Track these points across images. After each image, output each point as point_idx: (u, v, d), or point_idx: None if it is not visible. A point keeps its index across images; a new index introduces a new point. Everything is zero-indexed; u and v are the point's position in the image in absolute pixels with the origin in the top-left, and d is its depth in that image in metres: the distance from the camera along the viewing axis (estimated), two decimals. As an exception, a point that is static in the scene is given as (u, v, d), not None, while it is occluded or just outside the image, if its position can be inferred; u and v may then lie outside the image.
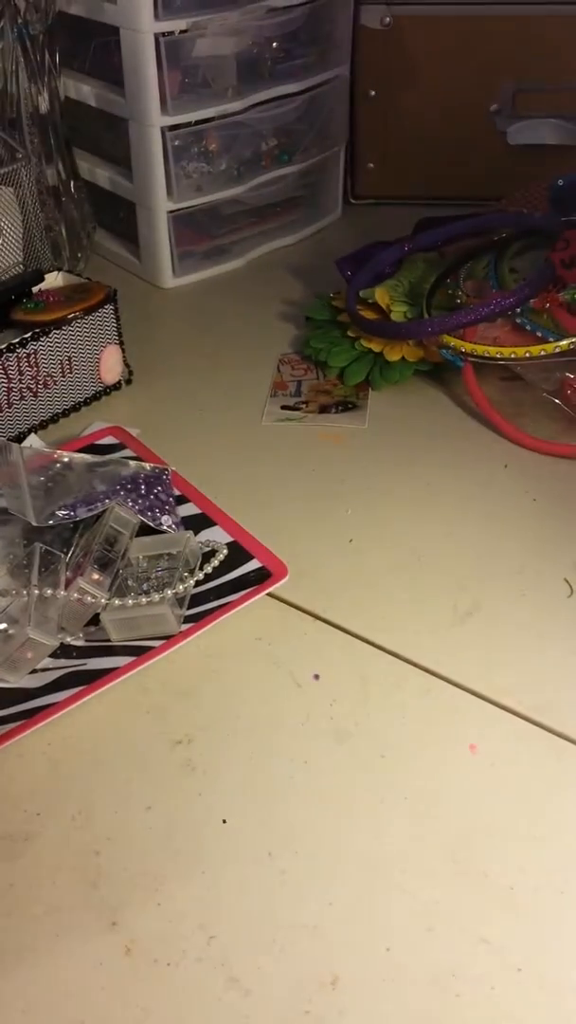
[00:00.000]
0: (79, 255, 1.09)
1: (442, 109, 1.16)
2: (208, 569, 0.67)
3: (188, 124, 1.00)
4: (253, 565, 0.68)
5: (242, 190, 1.07)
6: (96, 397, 0.89)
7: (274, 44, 1.04)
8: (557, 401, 0.84)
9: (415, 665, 0.63)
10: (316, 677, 0.62)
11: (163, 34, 0.94)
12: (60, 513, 0.69)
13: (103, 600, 0.63)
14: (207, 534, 0.71)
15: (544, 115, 1.13)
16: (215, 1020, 0.45)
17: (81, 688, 0.60)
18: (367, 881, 0.51)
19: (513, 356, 0.82)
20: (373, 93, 1.17)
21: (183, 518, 0.72)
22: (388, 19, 1.12)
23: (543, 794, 0.55)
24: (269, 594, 0.67)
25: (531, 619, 0.66)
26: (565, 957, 0.48)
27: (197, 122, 1.00)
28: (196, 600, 0.66)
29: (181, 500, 0.74)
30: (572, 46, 1.09)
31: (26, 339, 0.80)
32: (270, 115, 1.05)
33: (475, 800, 0.55)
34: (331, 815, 0.54)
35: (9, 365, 0.80)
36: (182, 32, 0.95)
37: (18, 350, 0.80)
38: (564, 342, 0.80)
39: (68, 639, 0.64)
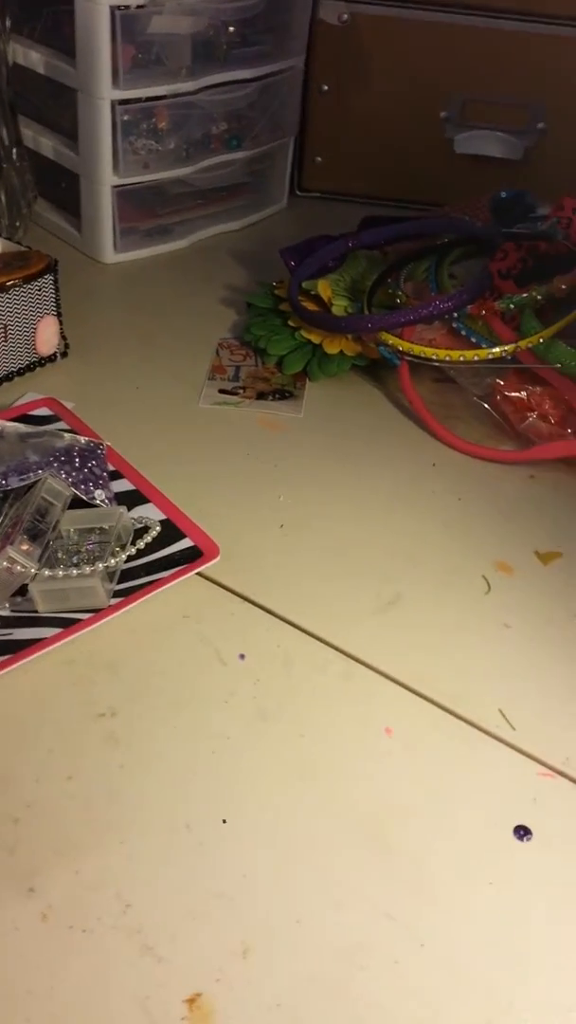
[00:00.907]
0: (18, 224, 1.07)
1: (393, 110, 1.18)
2: (140, 545, 0.68)
3: (139, 100, 0.99)
4: (185, 544, 0.69)
5: (189, 171, 1.07)
6: (31, 368, 0.88)
7: (231, 28, 1.04)
8: (486, 406, 0.86)
9: (337, 649, 0.64)
10: (242, 657, 0.63)
11: (119, 7, 0.93)
12: (-9, 481, 0.68)
13: (32, 570, 0.63)
14: (140, 511, 0.71)
15: (491, 127, 1.16)
16: (128, 986, 0.46)
17: (6, 658, 0.60)
18: (281, 855, 0.52)
19: (448, 359, 0.84)
20: (326, 88, 1.18)
21: (116, 494, 0.72)
22: (346, 16, 1.13)
23: (453, 779, 0.57)
24: (199, 573, 0.68)
25: (450, 612, 0.68)
26: (467, 935, 0.50)
27: (148, 99, 1.00)
28: (126, 575, 0.66)
29: (115, 476, 0.74)
30: (523, 62, 1.12)
31: (-36, 303, 0.79)
32: (222, 99, 1.05)
33: (388, 782, 0.57)
34: (249, 790, 0.55)
35: (-55, 328, 0.78)
36: (138, 7, 0.94)
37: (-45, 313, 0.78)
38: (496, 349, 0.83)
39: (-7, 608, 0.64)
